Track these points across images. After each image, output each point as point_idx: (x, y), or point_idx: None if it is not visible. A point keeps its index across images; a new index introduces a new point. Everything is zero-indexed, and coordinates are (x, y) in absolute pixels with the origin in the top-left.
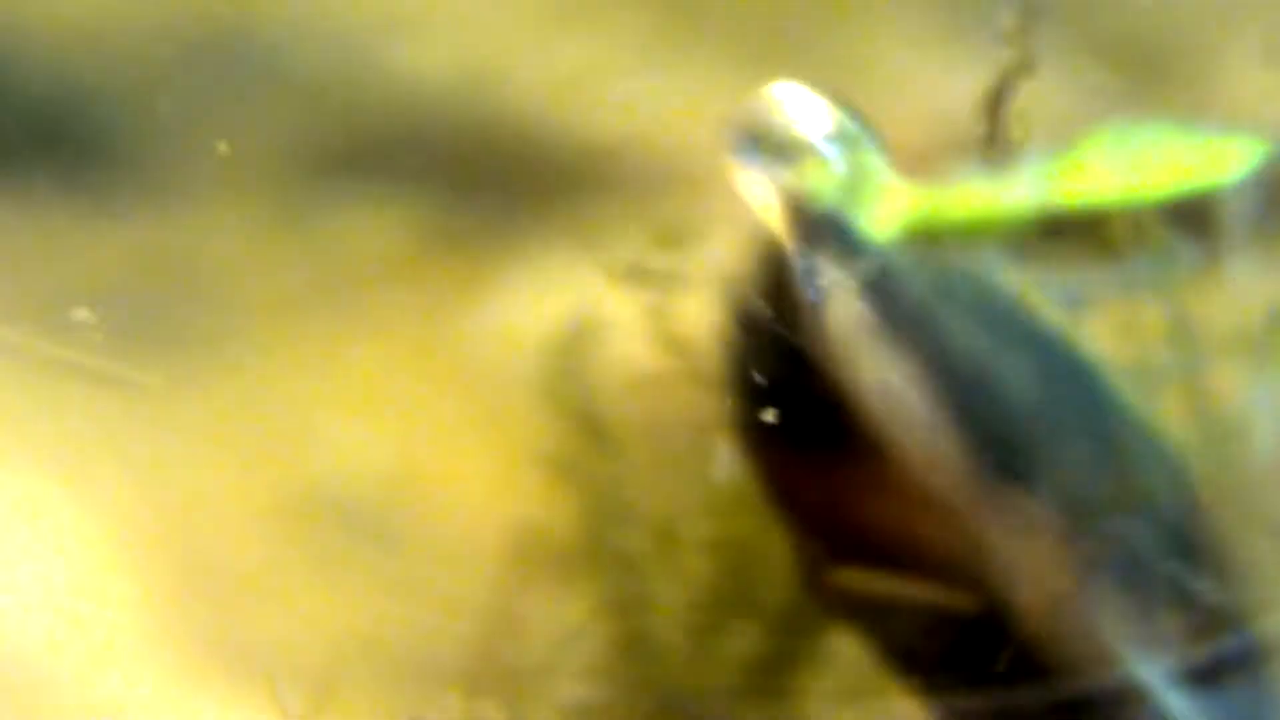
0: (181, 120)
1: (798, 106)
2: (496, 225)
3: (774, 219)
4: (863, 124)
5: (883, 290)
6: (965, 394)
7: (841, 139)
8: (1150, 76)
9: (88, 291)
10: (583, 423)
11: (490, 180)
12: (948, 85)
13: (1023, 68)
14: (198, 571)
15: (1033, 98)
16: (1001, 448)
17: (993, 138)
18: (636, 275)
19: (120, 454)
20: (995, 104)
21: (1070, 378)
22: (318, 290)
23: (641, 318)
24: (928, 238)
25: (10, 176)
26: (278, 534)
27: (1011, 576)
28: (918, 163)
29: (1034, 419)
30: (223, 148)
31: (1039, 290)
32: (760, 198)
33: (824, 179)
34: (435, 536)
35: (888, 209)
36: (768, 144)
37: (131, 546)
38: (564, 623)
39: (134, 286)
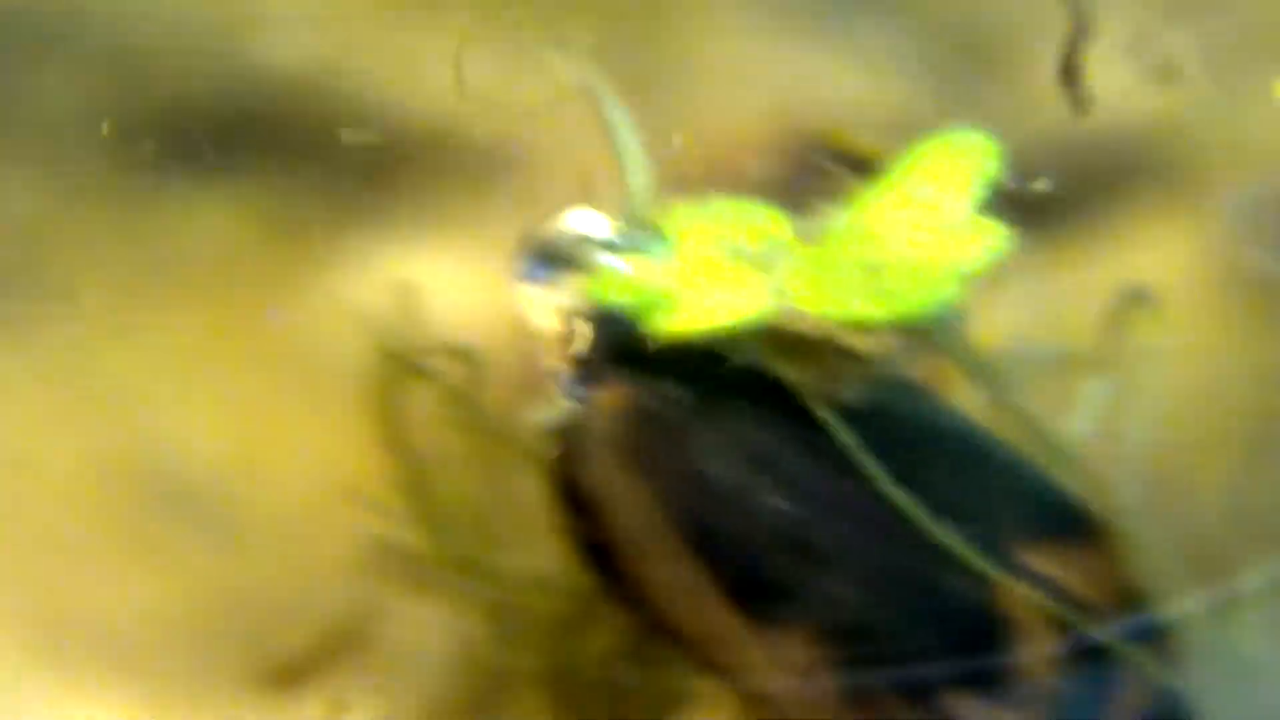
0: (37, 102)
1: (582, 225)
2: (334, 209)
3: (554, 335)
4: (649, 235)
5: (640, 407)
6: (713, 520)
7: (626, 251)
8: (999, 68)
9: None
10: (406, 408)
11: (330, 166)
12: (781, 76)
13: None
14: (15, 543)
15: (867, 86)
16: (752, 577)
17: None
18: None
19: None
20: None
21: (858, 491)
22: (159, 269)
23: (471, 298)
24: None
25: None
26: (99, 506)
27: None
28: (735, 162)
29: (797, 546)
30: (105, 129)
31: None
32: (542, 314)
33: (605, 292)
34: (254, 515)
35: (668, 318)
36: (551, 262)
37: None
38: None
39: None
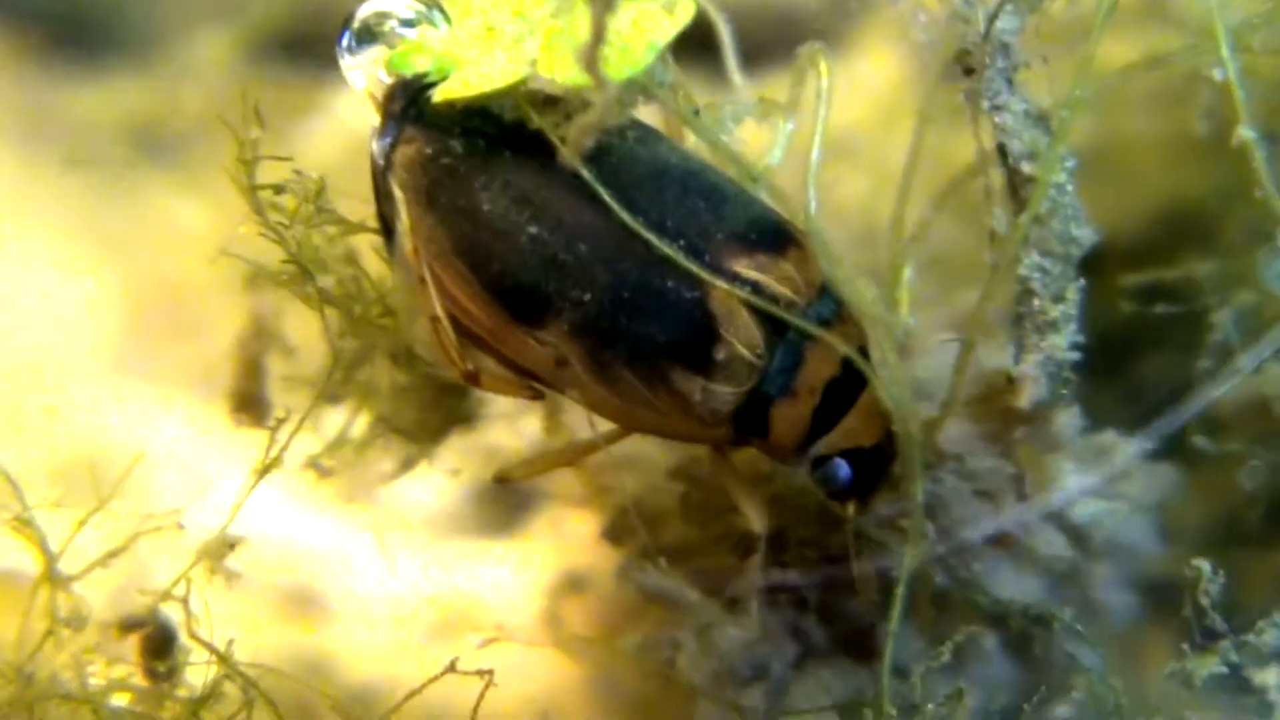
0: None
1: (386, 4)
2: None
3: (370, 98)
4: (440, 12)
5: (429, 156)
6: (484, 243)
7: (421, 23)
8: None
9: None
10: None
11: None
12: None
13: None
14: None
15: None
16: (514, 285)
17: None
18: None
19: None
20: None
21: (598, 218)
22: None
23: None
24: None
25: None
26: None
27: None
28: None
29: (548, 262)
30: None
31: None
32: (360, 81)
33: (404, 59)
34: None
35: (451, 83)
36: (363, 38)
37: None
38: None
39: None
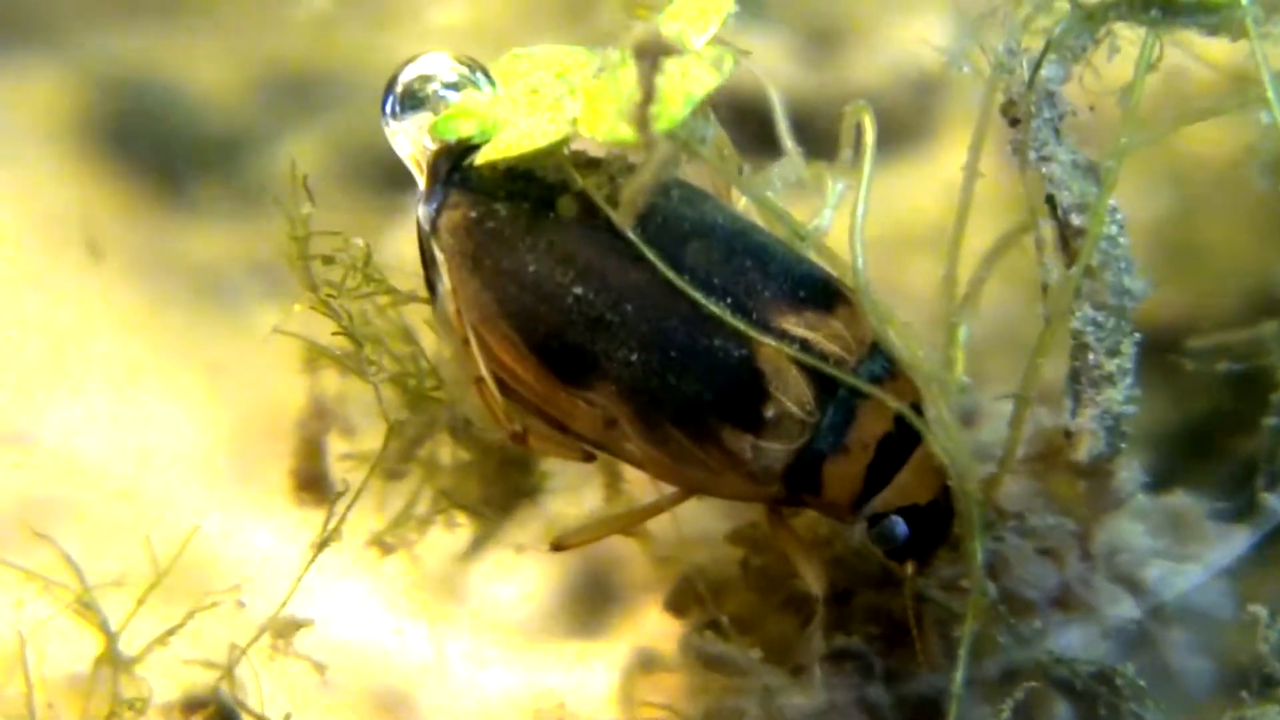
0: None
1: (429, 68)
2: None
3: (414, 163)
4: (484, 75)
5: (473, 221)
6: (529, 305)
7: (464, 86)
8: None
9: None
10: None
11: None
12: None
13: None
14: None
15: None
16: (560, 347)
17: None
18: None
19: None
20: None
21: (644, 278)
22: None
23: None
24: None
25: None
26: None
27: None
28: None
29: (593, 323)
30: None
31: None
32: (405, 146)
33: (449, 124)
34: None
35: (494, 145)
36: (406, 100)
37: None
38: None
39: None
